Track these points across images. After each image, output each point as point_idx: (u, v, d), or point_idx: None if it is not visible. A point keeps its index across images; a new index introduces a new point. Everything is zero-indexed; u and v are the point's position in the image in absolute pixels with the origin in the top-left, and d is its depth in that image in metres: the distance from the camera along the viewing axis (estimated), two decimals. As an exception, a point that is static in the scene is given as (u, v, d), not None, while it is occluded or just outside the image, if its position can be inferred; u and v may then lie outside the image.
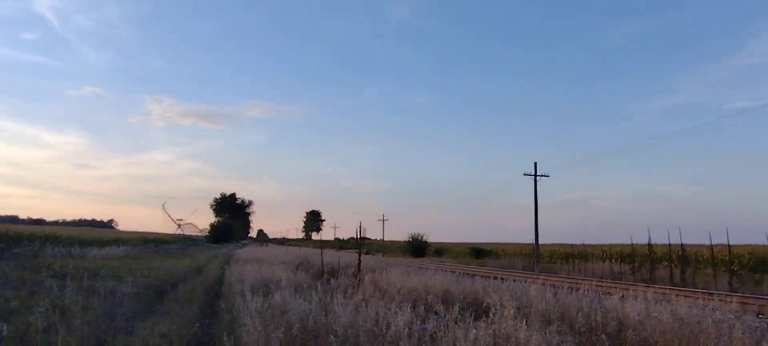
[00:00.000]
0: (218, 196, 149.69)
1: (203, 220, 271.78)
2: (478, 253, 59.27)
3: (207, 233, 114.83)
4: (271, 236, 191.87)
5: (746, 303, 11.12)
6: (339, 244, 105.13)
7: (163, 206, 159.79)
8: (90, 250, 30.85)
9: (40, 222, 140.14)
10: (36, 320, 8.14)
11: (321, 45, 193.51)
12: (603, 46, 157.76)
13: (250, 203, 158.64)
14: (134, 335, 8.81)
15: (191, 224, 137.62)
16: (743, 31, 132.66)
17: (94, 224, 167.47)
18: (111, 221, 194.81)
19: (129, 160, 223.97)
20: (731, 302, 8.59)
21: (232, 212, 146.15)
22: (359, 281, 12.51)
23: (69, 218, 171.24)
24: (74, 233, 56.95)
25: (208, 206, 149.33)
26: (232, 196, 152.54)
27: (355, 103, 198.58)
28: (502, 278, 14.80)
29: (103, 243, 39.34)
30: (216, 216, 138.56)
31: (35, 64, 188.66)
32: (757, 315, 9.21)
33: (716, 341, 6.24)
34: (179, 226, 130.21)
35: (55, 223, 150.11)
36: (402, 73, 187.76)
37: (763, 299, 15.44)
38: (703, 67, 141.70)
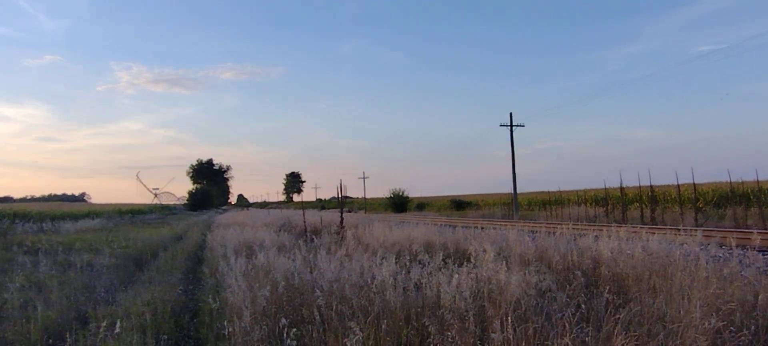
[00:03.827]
0: (195, 163, 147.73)
1: (181, 188, 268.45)
2: (459, 205, 60.22)
3: (185, 201, 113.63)
4: (251, 201, 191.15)
5: (710, 236, 11.66)
6: (321, 204, 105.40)
7: (137, 175, 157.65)
8: (63, 224, 30.30)
9: (7, 199, 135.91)
10: (12, 296, 7.97)
11: (292, 2, 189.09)
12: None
13: (229, 168, 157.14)
14: (116, 305, 8.72)
15: (168, 192, 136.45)
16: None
17: (64, 198, 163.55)
18: (83, 194, 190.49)
19: (98, 131, 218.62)
20: (696, 235, 9.00)
21: (210, 178, 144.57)
22: (342, 237, 12.64)
23: (37, 194, 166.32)
24: (45, 208, 55.73)
25: (185, 174, 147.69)
26: (210, 162, 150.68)
27: (331, 61, 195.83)
28: (482, 227, 15.14)
29: (76, 217, 38.66)
30: (193, 183, 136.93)
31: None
32: (720, 245, 9.66)
33: (683, 269, 6.55)
34: (156, 195, 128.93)
35: (24, 200, 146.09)
36: (375, 30, 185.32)
37: (725, 231, 16.26)
38: (669, 13, 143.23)
